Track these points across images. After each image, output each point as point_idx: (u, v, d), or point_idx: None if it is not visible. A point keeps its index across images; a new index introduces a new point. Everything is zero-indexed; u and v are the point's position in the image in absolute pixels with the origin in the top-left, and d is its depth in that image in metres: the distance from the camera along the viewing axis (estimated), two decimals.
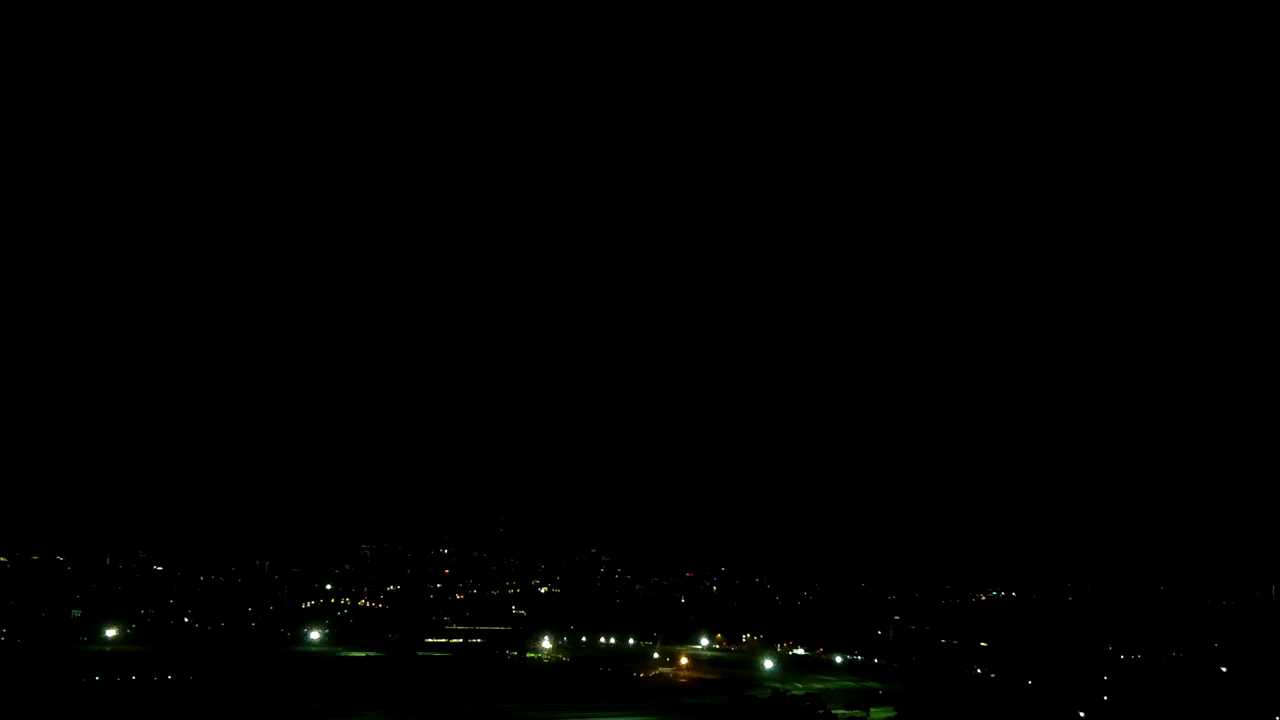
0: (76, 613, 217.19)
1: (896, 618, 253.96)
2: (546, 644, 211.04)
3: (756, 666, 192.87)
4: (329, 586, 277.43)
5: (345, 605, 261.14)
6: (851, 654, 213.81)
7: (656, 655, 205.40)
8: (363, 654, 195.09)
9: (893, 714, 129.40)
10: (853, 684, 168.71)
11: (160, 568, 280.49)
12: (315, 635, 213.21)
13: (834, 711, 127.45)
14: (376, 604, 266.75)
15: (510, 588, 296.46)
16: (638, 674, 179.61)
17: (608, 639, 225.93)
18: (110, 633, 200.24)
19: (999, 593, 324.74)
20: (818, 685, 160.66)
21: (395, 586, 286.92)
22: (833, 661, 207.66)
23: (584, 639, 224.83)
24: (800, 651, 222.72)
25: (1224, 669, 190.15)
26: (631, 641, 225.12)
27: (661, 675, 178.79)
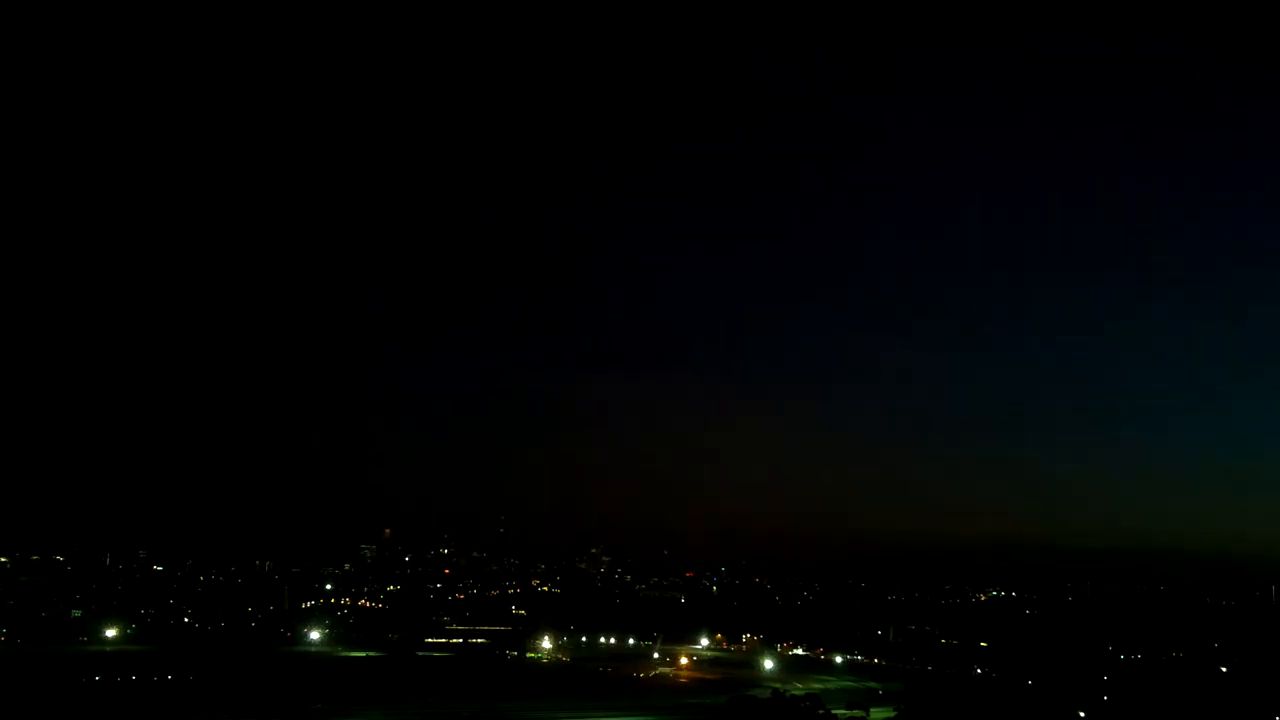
0: (76, 613, 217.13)
1: (896, 618, 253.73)
2: (546, 644, 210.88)
3: (756, 666, 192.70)
4: (329, 586, 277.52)
5: (345, 605, 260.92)
6: (851, 654, 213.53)
7: (656, 655, 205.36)
8: (363, 654, 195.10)
9: (893, 714, 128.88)
10: (853, 684, 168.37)
11: (160, 568, 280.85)
12: (315, 635, 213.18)
13: (834, 711, 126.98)
14: (376, 604, 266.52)
15: (510, 588, 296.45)
16: (638, 674, 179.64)
17: (608, 639, 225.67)
18: (110, 633, 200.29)
19: (999, 593, 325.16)
20: (818, 685, 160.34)
21: (395, 586, 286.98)
22: (833, 661, 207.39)
23: (584, 639, 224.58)
24: (800, 651, 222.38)
25: (1224, 669, 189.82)
26: (631, 641, 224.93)
27: (661, 675, 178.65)
